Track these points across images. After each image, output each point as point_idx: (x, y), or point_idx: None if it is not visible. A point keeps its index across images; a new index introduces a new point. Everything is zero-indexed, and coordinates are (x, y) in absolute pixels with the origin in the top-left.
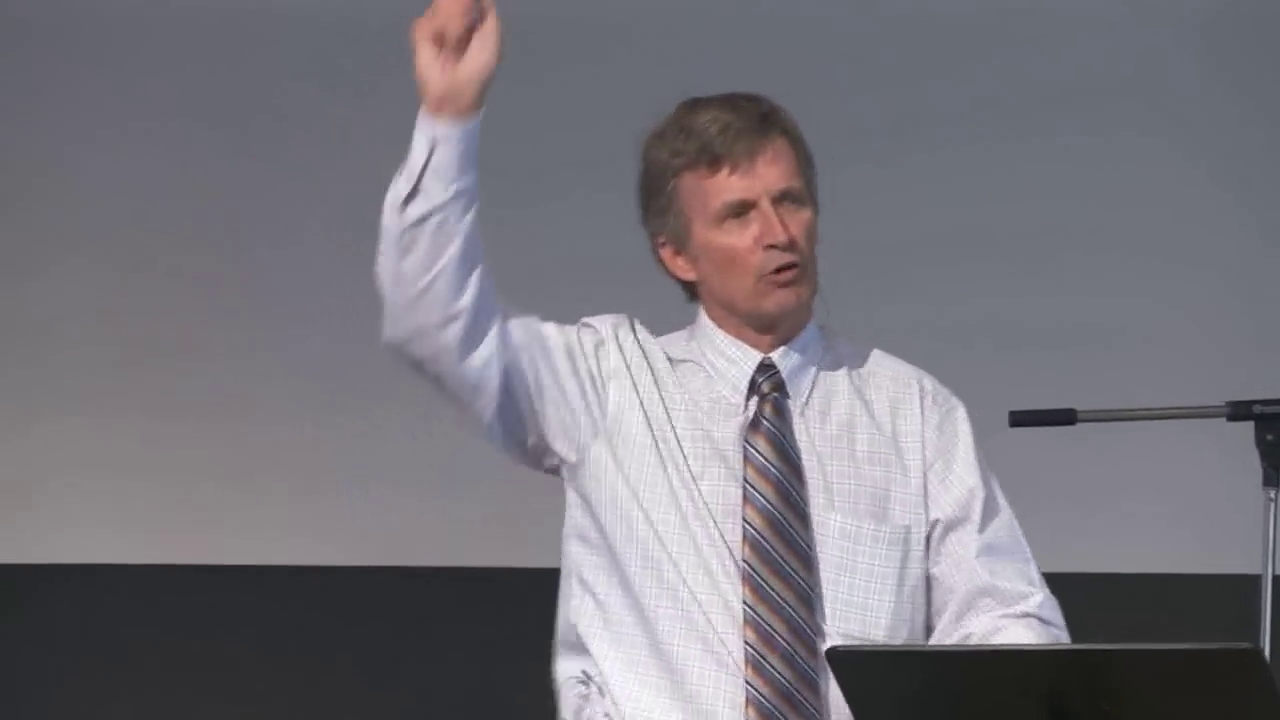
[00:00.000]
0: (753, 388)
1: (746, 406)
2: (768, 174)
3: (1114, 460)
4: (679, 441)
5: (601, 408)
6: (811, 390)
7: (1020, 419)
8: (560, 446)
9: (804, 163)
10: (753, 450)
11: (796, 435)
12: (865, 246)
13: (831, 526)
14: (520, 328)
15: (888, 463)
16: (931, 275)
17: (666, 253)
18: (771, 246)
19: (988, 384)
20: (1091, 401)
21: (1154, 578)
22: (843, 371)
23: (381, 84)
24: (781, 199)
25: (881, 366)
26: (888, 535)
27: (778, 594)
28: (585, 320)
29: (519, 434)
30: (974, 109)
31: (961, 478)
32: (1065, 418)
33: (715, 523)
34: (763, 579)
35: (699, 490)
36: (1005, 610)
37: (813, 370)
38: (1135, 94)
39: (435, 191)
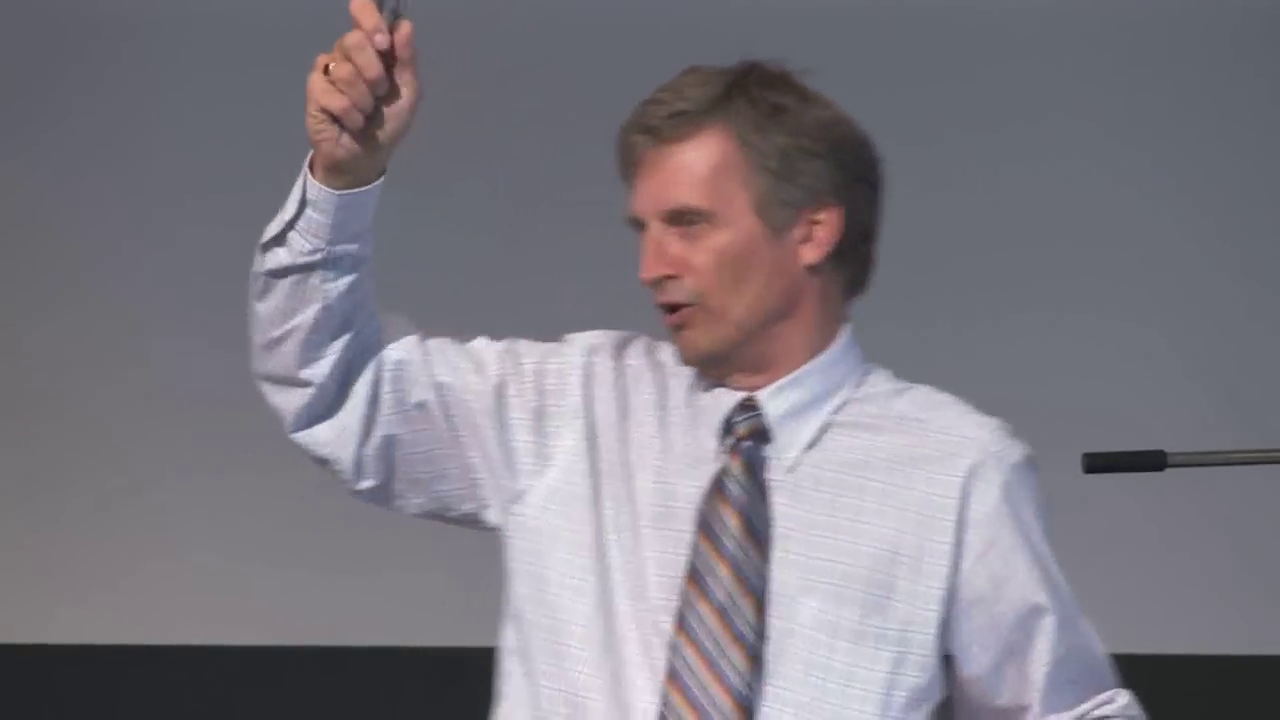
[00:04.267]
0: (728, 432)
1: (718, 457)
2: (656, 187)
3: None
4: (631, 500)
5: (538, 458)
6: (814, 441)
7: (1098, 463)
8: (469, 508)
9: (752, 168)
10: (711, 513)
11: (775, 498)
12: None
13: (803, 613)
14: (426, 383)
15: (899, 543)
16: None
17: None
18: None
19: None
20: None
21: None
22: (869, 420)
23: None
24: (674, 220)
25: (937, 417)
26: (875, 630)
27: (712, 696)
28: (568, 338)
29: (402, 502)
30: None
31: (1024, 589)
32: (1153, 462)
33: (647, 603)
34: (693, 674)
35: (633, 562)
36: None
37: (819, 416)
38: None
39: (299, 248)
